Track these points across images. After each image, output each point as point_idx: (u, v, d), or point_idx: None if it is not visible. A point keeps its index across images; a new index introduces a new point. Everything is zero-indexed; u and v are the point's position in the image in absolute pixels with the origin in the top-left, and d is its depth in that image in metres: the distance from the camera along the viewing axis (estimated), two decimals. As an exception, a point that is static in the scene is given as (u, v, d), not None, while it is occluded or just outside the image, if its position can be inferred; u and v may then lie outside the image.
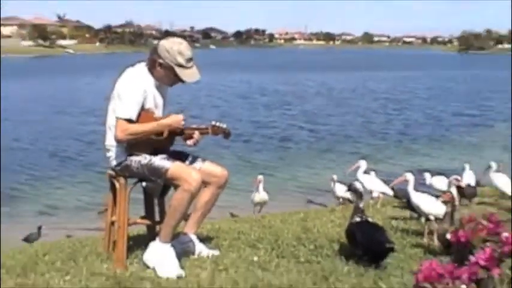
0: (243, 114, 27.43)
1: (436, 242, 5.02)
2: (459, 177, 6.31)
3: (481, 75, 56.55)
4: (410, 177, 5.91)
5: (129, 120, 4.33)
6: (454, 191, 5.05)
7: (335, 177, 9.33)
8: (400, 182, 6.48)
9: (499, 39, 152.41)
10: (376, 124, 24.87)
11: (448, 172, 8.29)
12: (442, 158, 17.38)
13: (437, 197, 5.85)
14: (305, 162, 17.26)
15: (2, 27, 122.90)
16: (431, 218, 5.29)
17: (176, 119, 4.48)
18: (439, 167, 12.18)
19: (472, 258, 1.52)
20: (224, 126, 4.77)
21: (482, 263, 1.50)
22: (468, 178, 8.11)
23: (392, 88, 41.67)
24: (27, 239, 9.35)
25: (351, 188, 4.99)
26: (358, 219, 4.65)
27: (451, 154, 17.79)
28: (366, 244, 4.46)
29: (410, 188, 5.78)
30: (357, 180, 7.48)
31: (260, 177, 9.79)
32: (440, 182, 7.76)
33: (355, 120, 25.91)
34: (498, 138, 21.33)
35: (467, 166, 8.66)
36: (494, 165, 7.94)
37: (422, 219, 5.61)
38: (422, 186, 7.28)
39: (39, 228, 9.80)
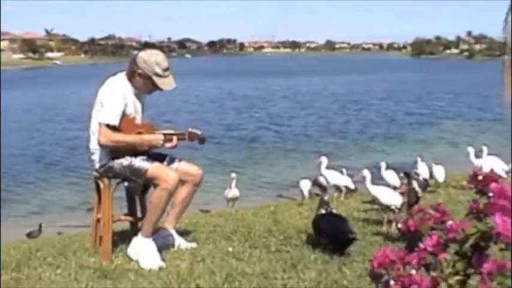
0: (214, 117, 27.24)
1: (394, 230, 5.06)
2: (419, 172, 6.38)
3: (432, 77, 57.06)
4: (366, 173, 5.93)
5: (111, 126, 4.31)
6: (415, 184, 5.08)
7: (303, 176, 9.34)
8: (359, 178, 6.51)
9: (447, 45, 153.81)
10: (336, 124, 24.88)
11: (402, 166, 8.38)
12: (397, 154, 17.44)
13: (395, 188, 5.90)
14: (271, 161, 17.25)
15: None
16: (391, 208, 5.32)
17: (157, 139, 4.48)
18: (394, 162, 12.21)
19: (421, 245, 1.55)
20: (199, 132, 4.78)
21: (429, 249, 1.53)
22: (423, 170, 8.18)
23: (351, 91, 41.83)
24: (30, 235, 9.51)
25: (315, 183, 5.01)
26: (323, 211, 4.67)
27: (404, 150, 17.88)
28: (330, 234, 4.49)
29: (368, 183, 5.80)
30: (321, 175, 7.49)
31: (233, 175, 9.77)
32: (390, 176, 7.80)
33: (317, 121, 25.90)
34: (446, 135, 21.58)
35: (419, 159, 8.75)
36: (434, 164, 8.63)
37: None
38: (380, 180, 7.33)
39: (40, 225, 10.04)
